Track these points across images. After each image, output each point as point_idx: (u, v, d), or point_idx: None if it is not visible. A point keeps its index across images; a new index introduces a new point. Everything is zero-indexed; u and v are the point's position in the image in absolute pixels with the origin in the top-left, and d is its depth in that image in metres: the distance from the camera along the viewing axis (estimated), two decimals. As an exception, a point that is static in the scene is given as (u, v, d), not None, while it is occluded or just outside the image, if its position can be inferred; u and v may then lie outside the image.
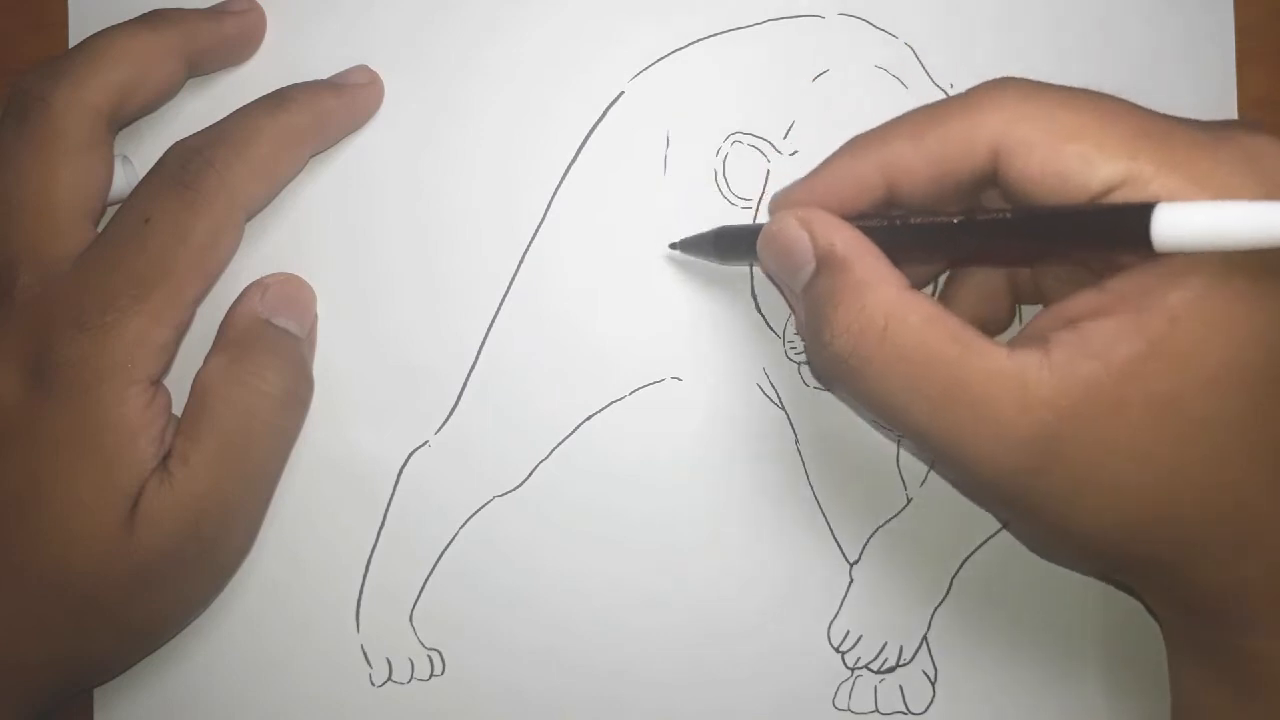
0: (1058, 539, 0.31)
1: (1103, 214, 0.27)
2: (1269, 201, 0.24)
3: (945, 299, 0.35)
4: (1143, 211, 0.25)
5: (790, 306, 0.35)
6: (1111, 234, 0.26)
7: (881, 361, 0.28)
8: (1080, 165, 0.27)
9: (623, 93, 0.37)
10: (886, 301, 0.29)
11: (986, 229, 0.28)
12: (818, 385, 0.36)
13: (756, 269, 0.36)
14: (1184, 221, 0.25)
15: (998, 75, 0.36)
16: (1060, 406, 0.27)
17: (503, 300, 0.36)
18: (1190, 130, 0.28)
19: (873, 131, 0.31)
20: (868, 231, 0.30)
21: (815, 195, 0.31)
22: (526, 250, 0.36)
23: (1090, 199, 0.27)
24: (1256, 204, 0.24)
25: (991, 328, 0.35)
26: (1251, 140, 0.27)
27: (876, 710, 0.36)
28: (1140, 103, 0.36)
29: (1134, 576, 0.32)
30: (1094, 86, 0.36)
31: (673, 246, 0.36)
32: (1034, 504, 0.29)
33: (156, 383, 0.33)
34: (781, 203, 0.32)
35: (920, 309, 0.28)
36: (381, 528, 0.36)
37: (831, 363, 0.29)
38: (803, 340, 0.31)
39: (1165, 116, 0.28)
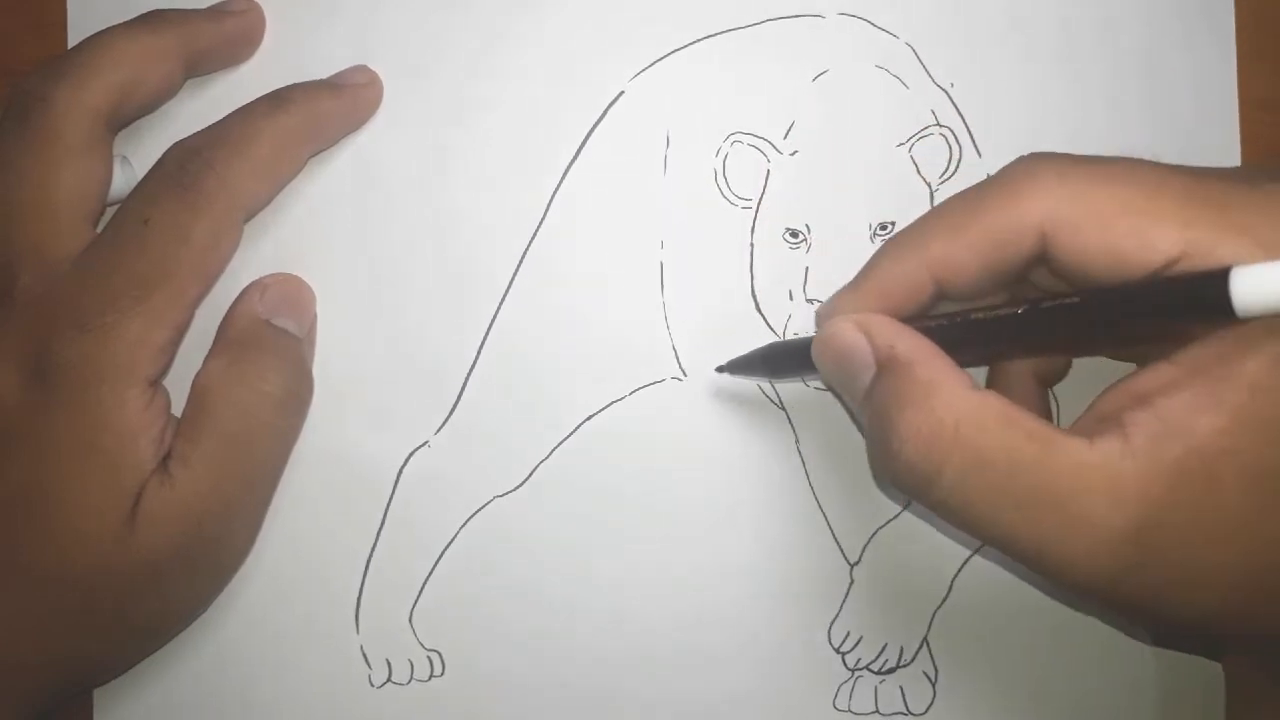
0: (1159, 627, 0.30)
1: (1176, 285, 0.26)
2: None
3: (995, 376, 0.34)
4: (1219, 278, 0.24)
5: (851, 417, 0.35)
6: (1188, 305, 0.25)
7: (956, 467, 0.27)
8: (1135, 241, 0.26)
9: (623, 93, 0.37)
10: (956, 402, 0.27)
11: (1053, 317, 0.27)
12: (819, 386, 0.36)
13: (757, 268, 0.36)
14: (1264, 283, 0.24)
15: (997, 76, 0.36)
16: (1152, 496, 0.26)
17: (503, 300, 0.36)
18: (1238, 189, 0.27)
19: (911, 230, 0.30)
20: (925, 333, 0.29)
21: (865, 302, 0.30)
22: (526, 250, 0.36)
23: (1152, 273, 0.26)
24: None
25: (1051, 378, 0.34)
26: None
27: (877, 711, 0.36)
28: (1142, 103, 0.36)
29: (1235, 649, 0.31)
30: (1094, 87, 0.36)
31: (720, 370, 0.35)
32: (1135, 599, 0.27)
33: (156, 383, 0.33)
34: (830, 310, 0.31)
35: (993, 408, 0.27)
36: (381, 528, 0.36)
37: (903, 471, 0.28)
38: (868, 449, 0.30)
39: (1206, 174, 0.27)
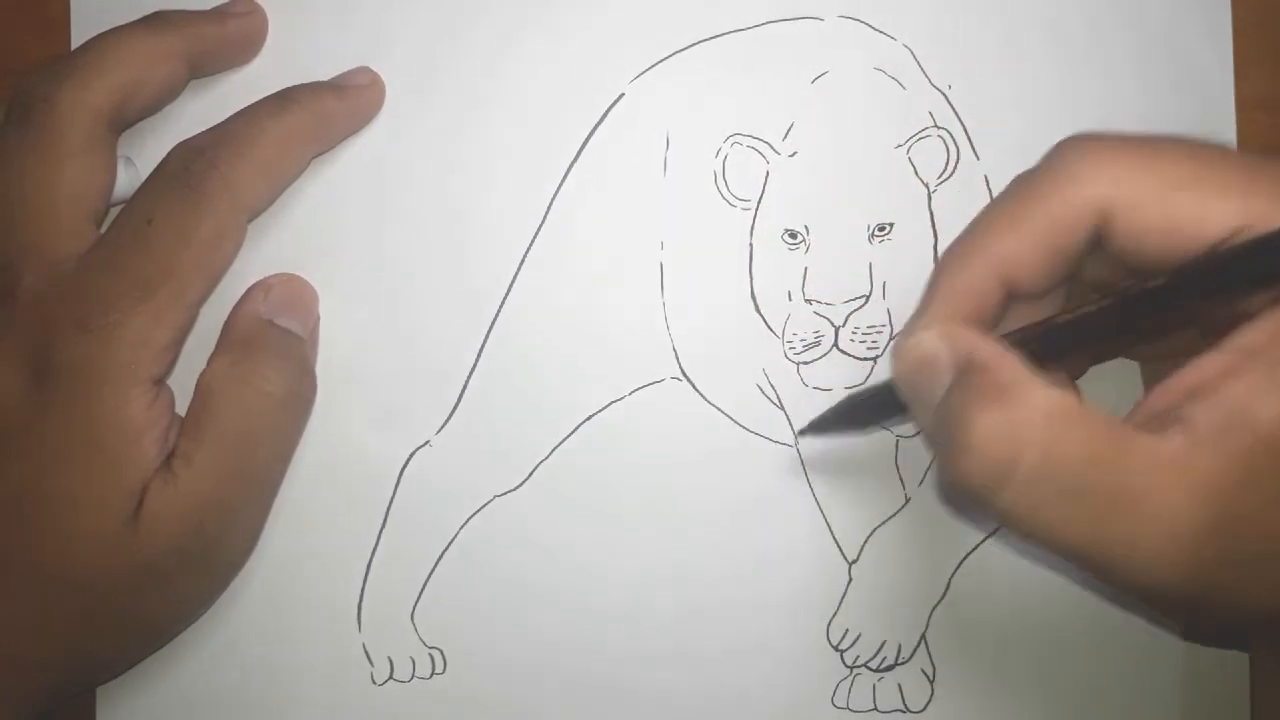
0: (1232, 624, 0.29)
1: (1269, 245, 0.25)
2: None
3: None
4: None
5: (927, 442, 0.34)
6: (1268, 268, 0.25)
7: (1030, 465, 0.26)
8: (1195, 213, 0.26)
9: (623, 94, 0.37)
10: (1034, 399, 0.26)
11: (1141, 303, 0.26)
12: (818, 385, 0.36)
13: (756, 268, 0.36)
14: None
15: (995, 78, 0.36)
16: (1226, 489, 0.25)
17: (503, 301, 0.37)
18: None
19: (968, 235, 0.29)
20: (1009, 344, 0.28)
21: (942, 314, 0.29)
22: (527, 251, 0.37)
23: (1209, 245, 0.26)
24: None
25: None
26: None
27: (875, 709, 0.36)
28: (1140, 103, 0.36)
29: None
30: (1094, 87, 0.36)
31: (802, 433, 0.35)
32: (1211, 596, 0.26)
33: (159, 383, 0.33)
34: (906, 334, 0.30)
35: (1070, 406, 0.26)
36: (383, 527, 0.36)
37: (974, 472, 0.26)
38: (937, 464, 0.29)
39: (1256, 155, 0.28)
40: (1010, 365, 0.27)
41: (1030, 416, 0.26)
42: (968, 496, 0.27)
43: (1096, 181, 0.27)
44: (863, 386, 0.32)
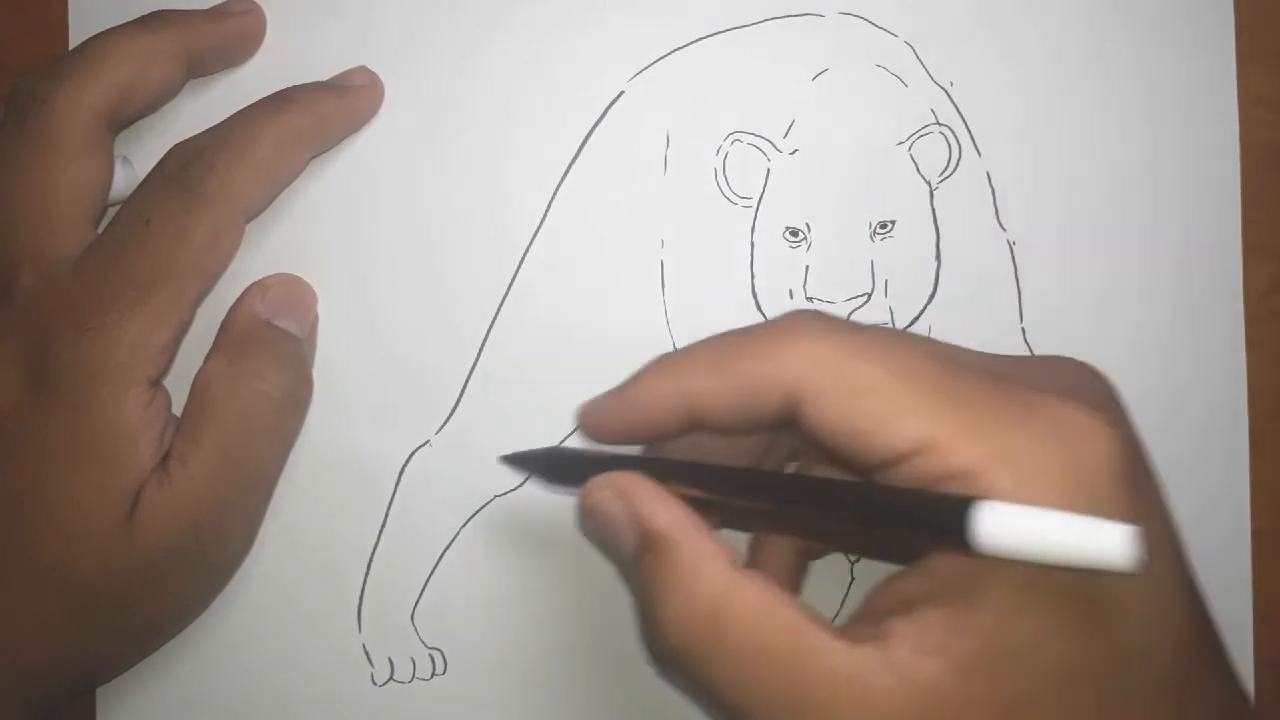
0: None
1: (923, 502, 0.25)
2: (1099, 520, 0.22)
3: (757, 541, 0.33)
4: (961, 506, 0.23)
5: (621, 577, 0.33)
6: (929, 525, 0.25)
7: (716, 658, 0.26)
8: (877, 425, 0.26)
9: (623, 92, 0.37)
10: (717, 586, 0.26)
11: (795, 485, 0.27)
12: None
13: (757, 267, 0.36)
14: (1005, 526, 0.23)
15: (997, 75, 0.36)
16: (906, 713, 0.25)
17: (503, 300, 0.36)
18: (995, 392, 0.26)
19: (677, 355, 0.29)
20: (691, 479, 0.28)
21: (621, 412, 0.29)
22: (527, 250, 0.36)
23: (887, 461, 0.26)
24: (1084, 519, 0.22)
25: (815, 551, 0.33)
26: (1062, 412, 0.25)
27: (877, 709, 0.36)
28: (1141, 102, 0.36)
29: None
30: (1096, 85, 0.36)
31: (502, 460, 0.32)
32: None
33: (156, 383, 0.33)
34: (590, 415, 0.30)
35: (751, 595, 0.26)
36: (383, 527, 0.36)
37: (664, 658, 0.27)
38: (637, 624, 0.28)
39: (968, 368, 0.26)
40: (693, 539, 0.27)
41: (713, 605, 0.26)
42: (665, 673, 0.27)
43: (793, 363, 0.27)
44: (574, 449, 0.31)
